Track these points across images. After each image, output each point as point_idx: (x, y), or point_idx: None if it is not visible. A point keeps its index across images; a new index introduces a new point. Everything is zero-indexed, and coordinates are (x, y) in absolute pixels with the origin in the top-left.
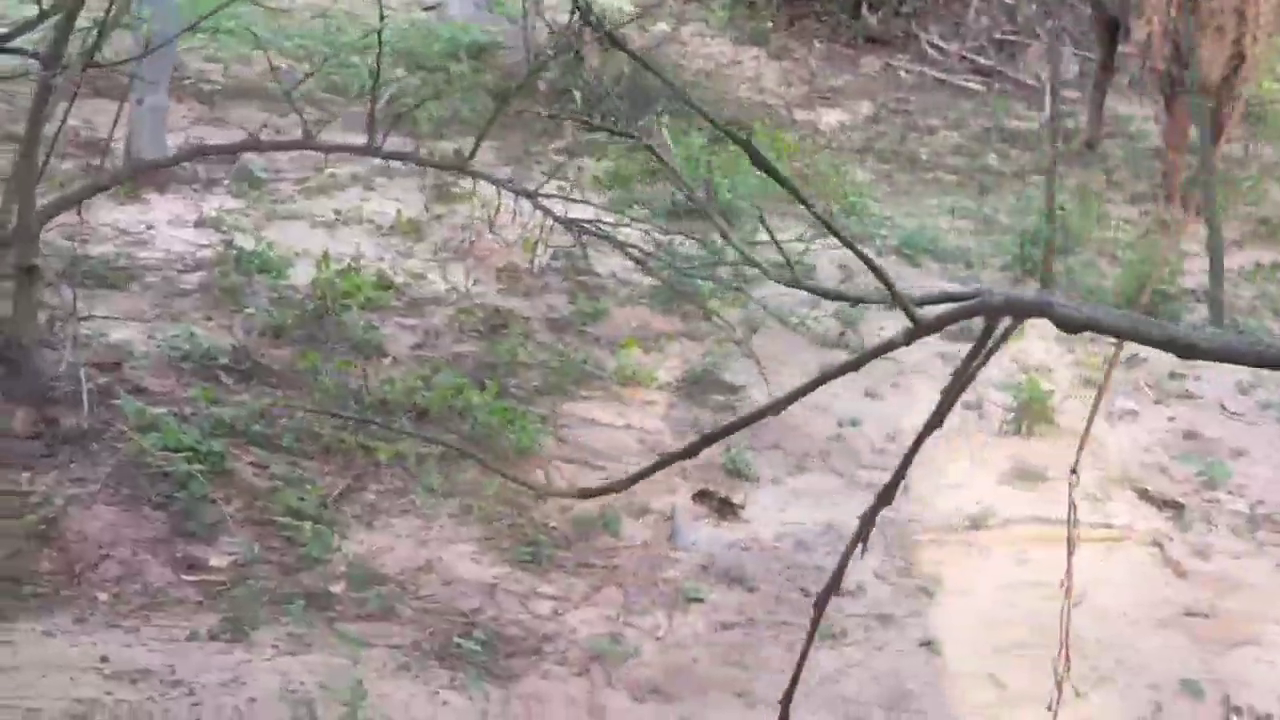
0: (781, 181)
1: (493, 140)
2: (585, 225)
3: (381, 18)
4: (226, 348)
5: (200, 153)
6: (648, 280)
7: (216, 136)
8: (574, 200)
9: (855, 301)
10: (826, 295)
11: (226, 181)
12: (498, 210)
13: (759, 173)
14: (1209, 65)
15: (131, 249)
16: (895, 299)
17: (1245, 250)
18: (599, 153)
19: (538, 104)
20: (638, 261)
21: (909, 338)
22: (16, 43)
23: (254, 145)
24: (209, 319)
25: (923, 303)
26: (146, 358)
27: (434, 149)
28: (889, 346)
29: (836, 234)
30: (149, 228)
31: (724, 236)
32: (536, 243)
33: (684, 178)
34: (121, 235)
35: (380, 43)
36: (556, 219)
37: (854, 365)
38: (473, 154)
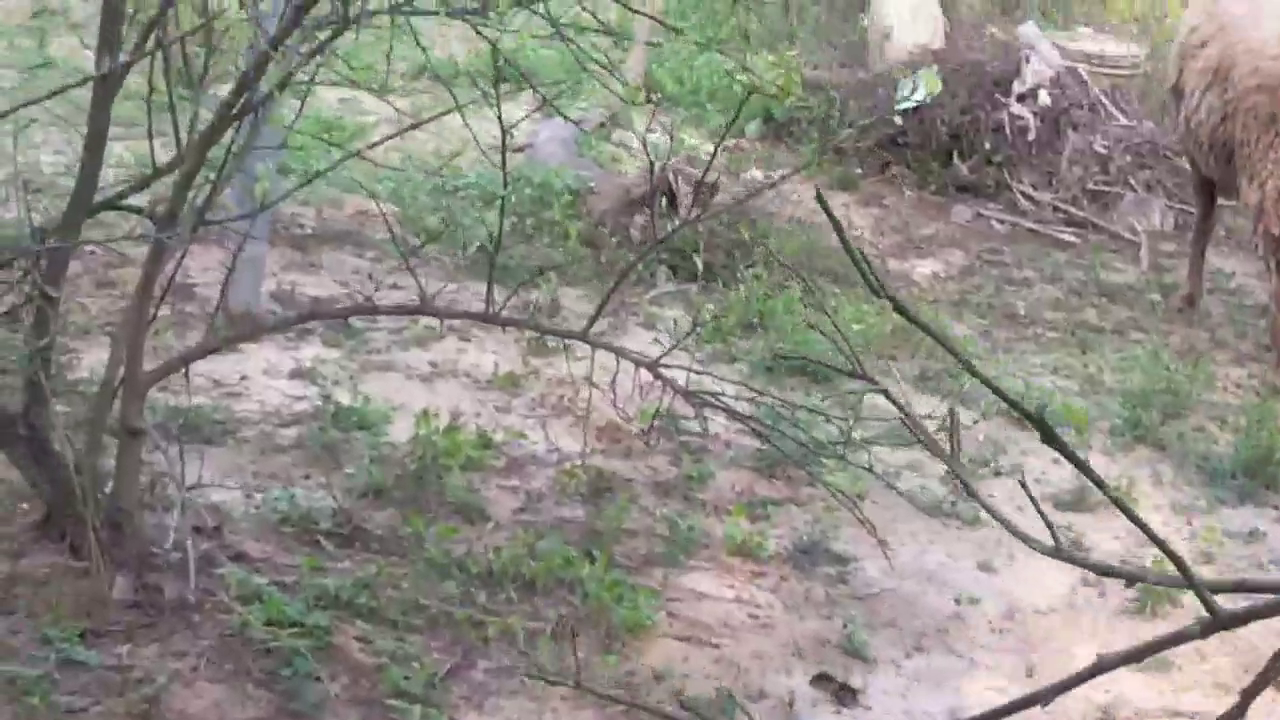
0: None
1: (583, 289)
2: (708, 399)
3: (506, 184)
4: (327, 510)
5: (313, 317)
6: (751, 441)
7: (309, 282)
8: (695, 371)
9: (1135, 581)
10: (1103, 572)
11: (320, 330)
12: (614, 382)
13: (859, 323)
14: None
15: (227, 401)
16: (1193, 589)
17: None
18: (696, 303)
19: (631, 251)
20: (761, 436)
21: (1205, 631)
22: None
23: (369, 309)
24: (307, 477)
25: (1217, 590)
26: (247, 520)
27: (528, 299)
28: (1180, 638)
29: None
30: (244, 378)
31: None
32: (656, 414)
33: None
34: (217, 386)
35: (503, 206)
36: (678, 391)
37: (1137, 656)
38: (591, 323)
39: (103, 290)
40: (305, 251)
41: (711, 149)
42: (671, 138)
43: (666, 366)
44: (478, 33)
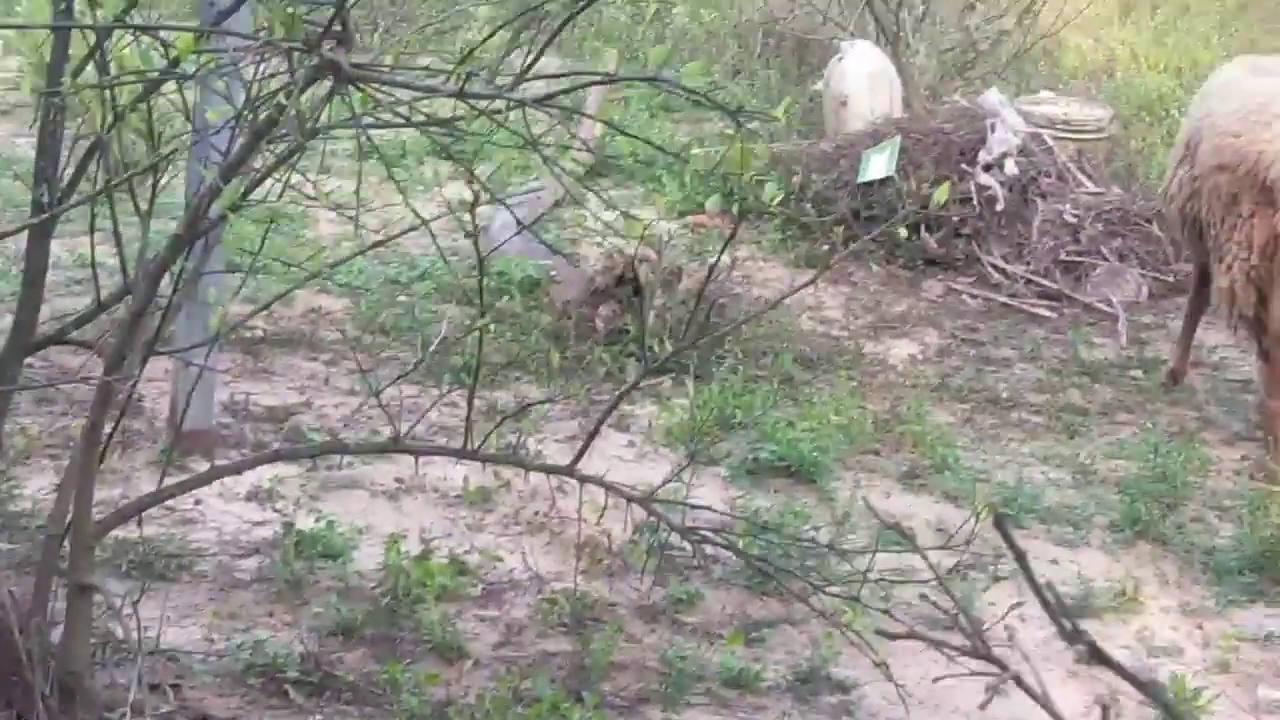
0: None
1: (551, 387)
2: (708, 536)
3: (483, 312)
4: (294, 655)
5: (277, 458)
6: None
7: (263, 390)
8: (690, 505)
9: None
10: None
11: (277, 445)
12: (600, 516)
13: (835, 415)
14: None
15: (181, 529)
16: None
17: None
18: (668, 398)
19: (597, 344)
20: (756, 570)
21: None
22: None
23: (338, 448)
24: (271, 615)
25: None
26: (208, 672)
27: (490, 398)
28: None
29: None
30: (198, 502)
31: None
32: (649, 552)
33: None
34: (169, 513)
35: (480, 337)
36: (674, 528)
37: None
38: (579, 457)
39: (43, 407)
40: (257, 357)
41: (672, 227)
42: (631, 217)
43: (660, 501)
44: (447, 154)
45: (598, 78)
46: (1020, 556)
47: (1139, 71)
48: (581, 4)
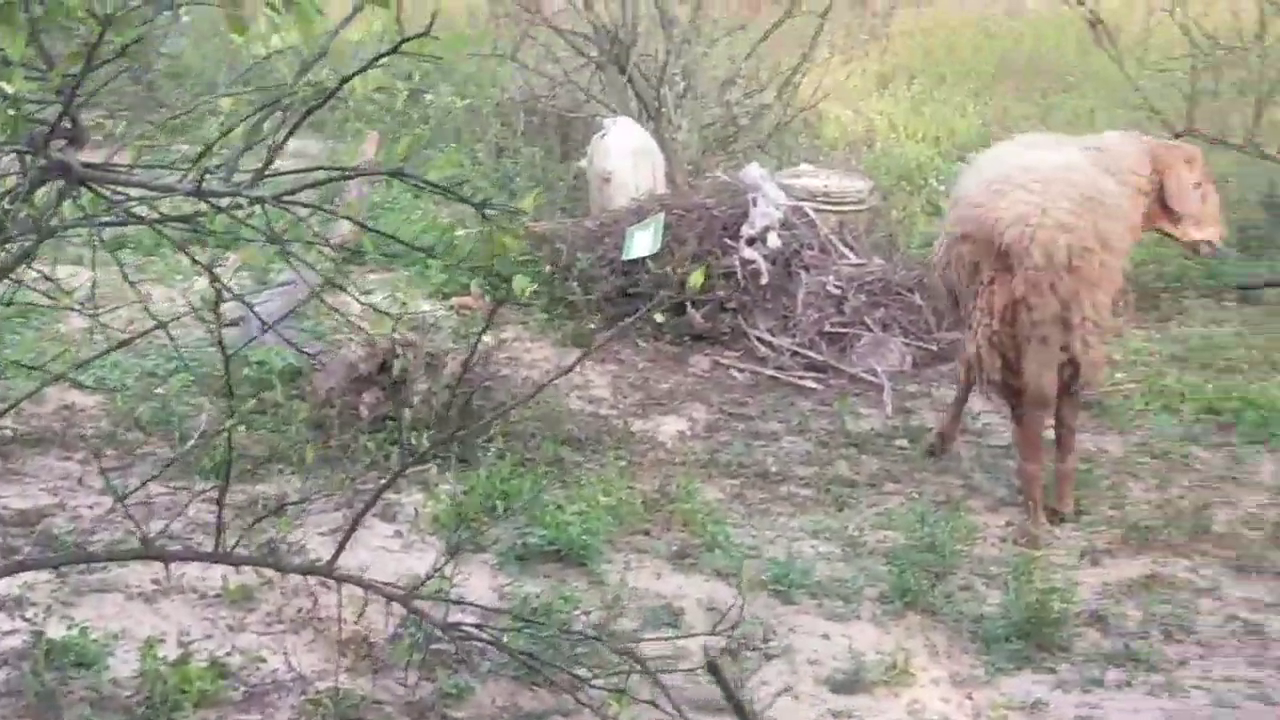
0: None
1: (314, 477)
2: (470, 631)
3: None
4: None
5: (22, 568)
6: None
7: (12, 494)
8: (453, 601)
9: None
10: None
11: (28, 549)
12: (361, 614)
13: (604, 496)
14: (1037, 376)
15: None
16: None
17: (1117, 559)
18: (434, 485)
19: (361, 432)
20: (522, 663)
21: None
22: None
23: (83, 558)
24: None
25: None
26: None
27: (252, 493)
28: None
29: None
30: None
31: None
32: (411, 649)
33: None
34: None
35: (229, 440)
36: (436, 625)
37: None
38: (336, 555)
39: None
40: (7, 458)
41: (437, 309)
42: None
43: (422, 598)
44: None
45: (339, 173)
46: (736, 705)
47: (898, 141)
48: (324, 98)
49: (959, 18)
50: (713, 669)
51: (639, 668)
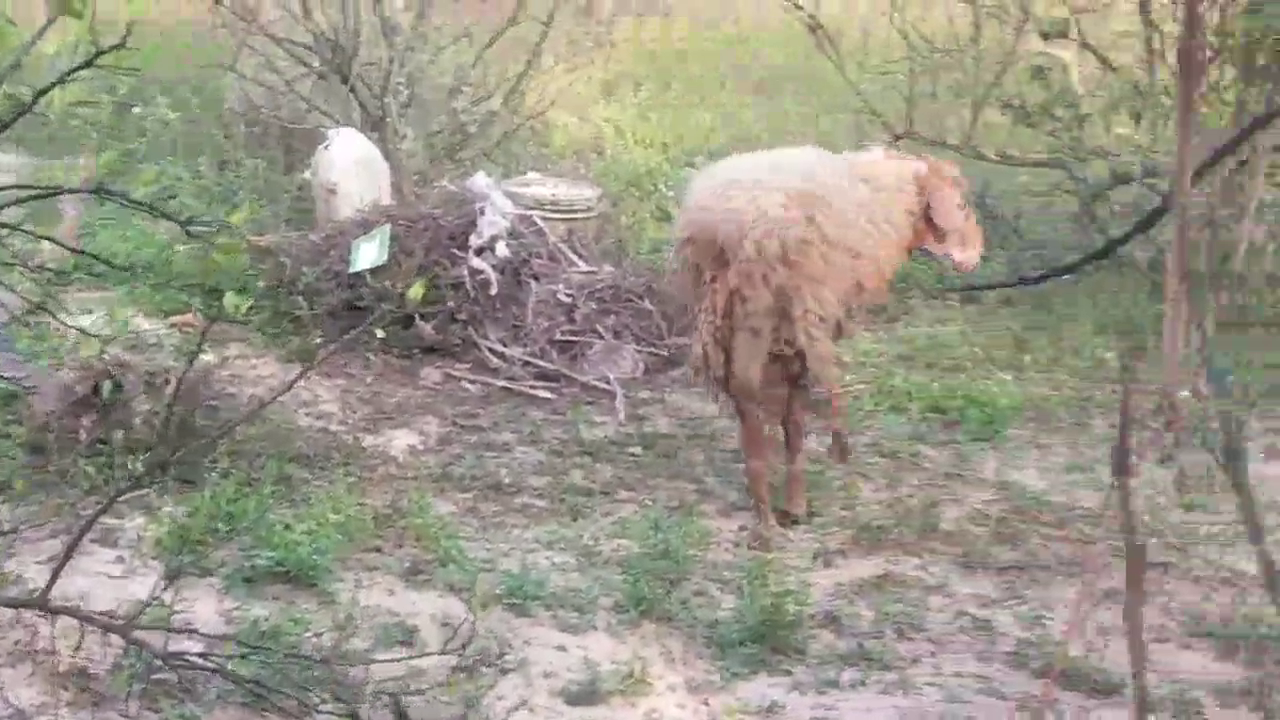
0: None
1: (29, 503)
2: (192, 661)
3: None
4: None
5: None
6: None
7: None
8: (177, 631)
9: None
10: None
11: None
12: (78, 646)
13: (334, 514)
14: (744, 367)
15: None
16: None
17: (849, 559)
18: (157, 508)
19: (80, 455)
20: (249, 690)
21: None
22: None
23: None
24: None
25: None
26: None
27: None
28: None
29: None
30: None
31: None
32: (131, 683)
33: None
34: None
35: None
36: (155, 655)
37: None
38: (49, 587)
39: None
40: None
41: (158, 328)
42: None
43: (142, 628)
44: None
45: (35, 191)
46: None
47: (626, 148)
48: (17, 113)
49: (686, 25)
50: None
51: (371, 690)
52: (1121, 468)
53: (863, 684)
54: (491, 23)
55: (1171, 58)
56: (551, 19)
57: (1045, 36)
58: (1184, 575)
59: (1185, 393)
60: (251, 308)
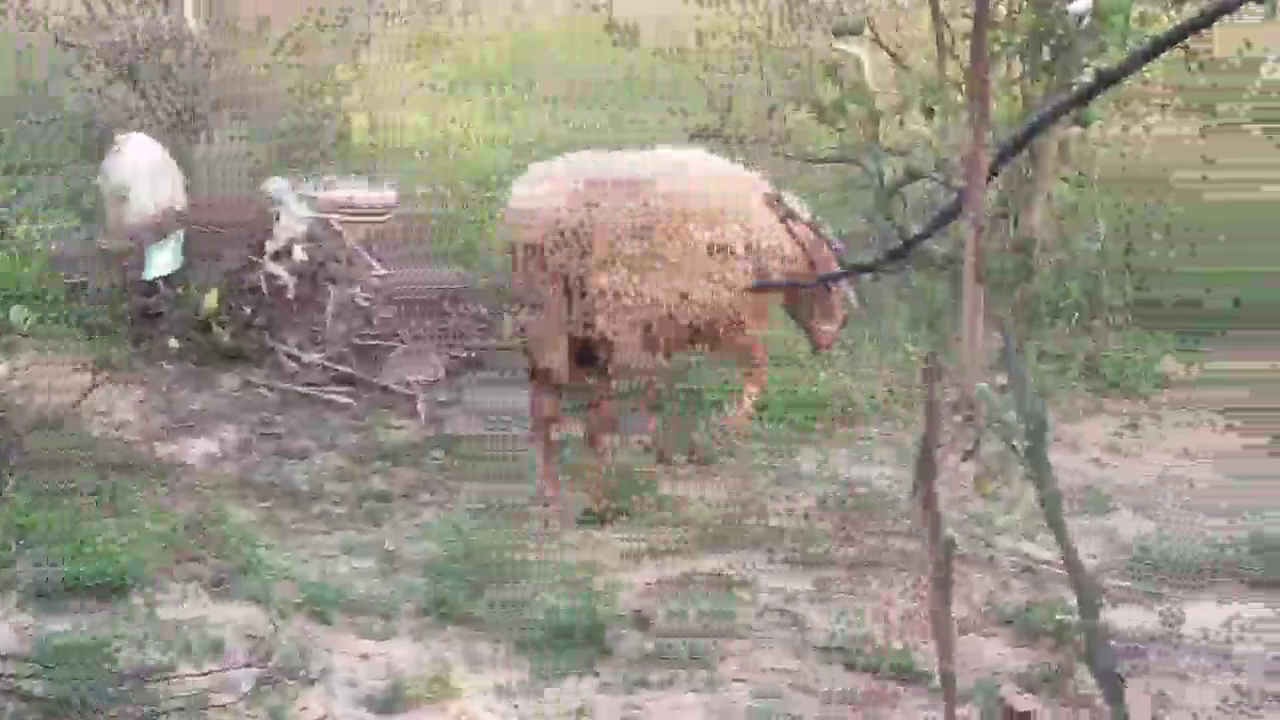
0: None
1: None
2: None
3: None
4: None
5: None
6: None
7: None
8: None
9: None
10: None
11: None
12: None
13: (138, 525)
14: (538, 350)
15: None
16: None
17: (659, 558)
18: None
19: None
20: (47, 712)
21: None
22: None
23: None
24: None
25: None
26: None
27: None
28: None
29: None
30: None
31: None
32: None
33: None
34: None
35: None
36: None
37: None
38: None
39: None
40: None
41: None
42: None
43: None
44: None
45: None
46: None
47: (469, 147)
48: None
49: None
50: None
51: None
52: (927, 468)
53: (671, 683)
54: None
55: (964, 54)
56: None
57: (838, 34)
58: (985, 565)
59: (983, 385)
60: (42, 317)
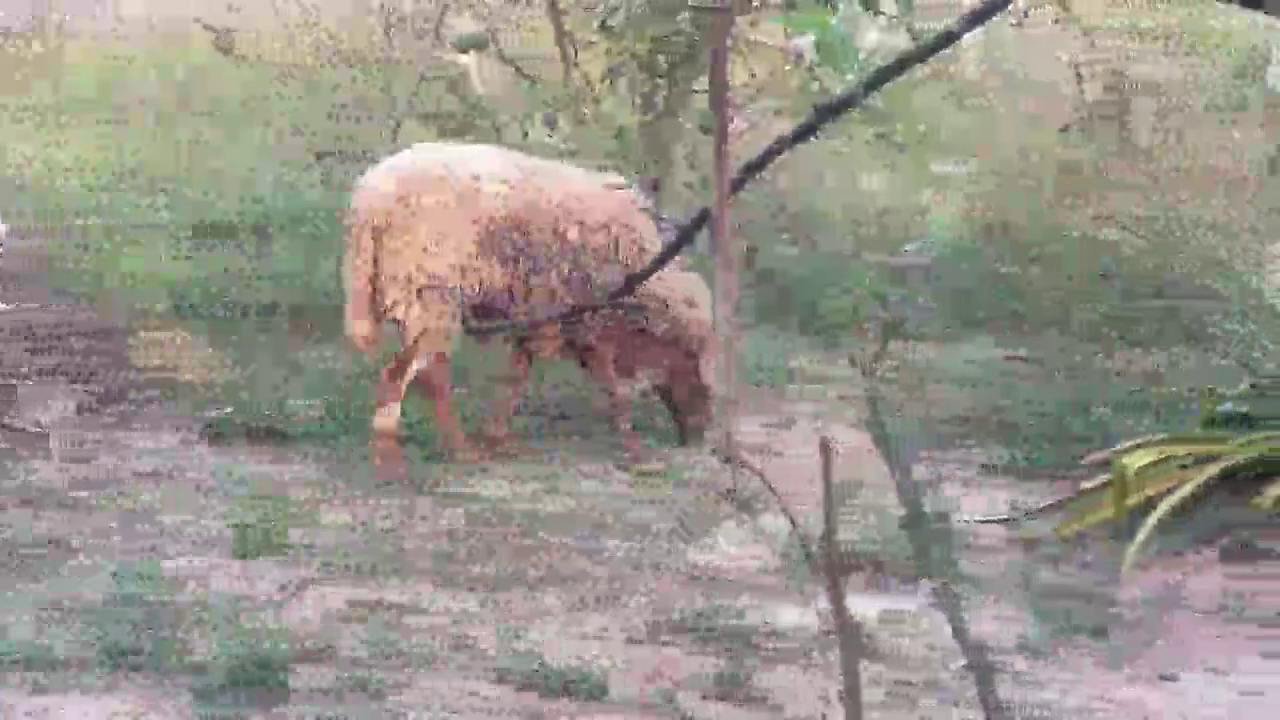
0: None
1: None
2: None
3: None
4: None
5: None
6: None
7: None
8: None
9: None
10: None
11: None
12: None
13: None
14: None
15: None
16: None
17: (322, 588)
18: None
19: None
20: None
21: None
22: None
23: None
24: None
25: None
26: None
27: None
28: None
29: None
30: None
31: None
32: None
33: None
34: None
35: None
36: None
37: None
38: None
39: None
40: None
41: None
42: None
43: None
44: None
45: None
46: None
47: (50, 179)
48: None
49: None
50: None
51: None
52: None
53: (349, 717)
54: None
55: (588, 66)
56: None
57: (463, 50)
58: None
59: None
60: None
